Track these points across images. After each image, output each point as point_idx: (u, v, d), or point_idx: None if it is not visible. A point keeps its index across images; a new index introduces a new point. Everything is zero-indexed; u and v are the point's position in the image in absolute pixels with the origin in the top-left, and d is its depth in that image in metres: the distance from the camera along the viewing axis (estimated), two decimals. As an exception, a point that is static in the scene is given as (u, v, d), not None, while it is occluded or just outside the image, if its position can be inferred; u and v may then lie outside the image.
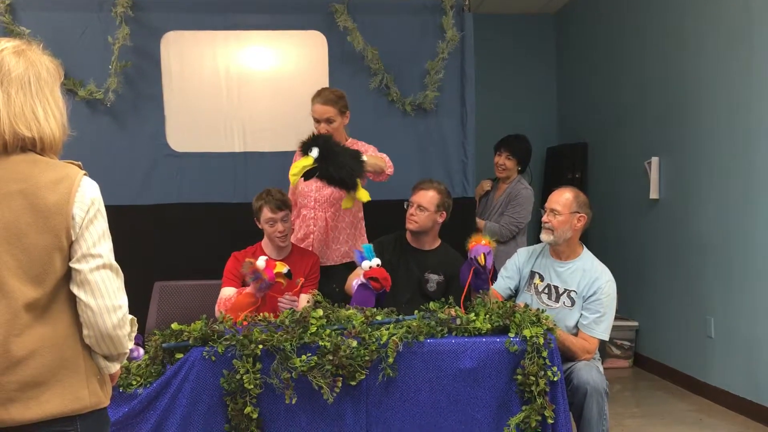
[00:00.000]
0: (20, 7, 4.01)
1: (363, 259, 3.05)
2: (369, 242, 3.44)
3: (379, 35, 4.25)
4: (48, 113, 1.58)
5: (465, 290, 3.02)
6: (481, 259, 2.92)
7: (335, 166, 3.11)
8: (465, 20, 4.32)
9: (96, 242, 1.56)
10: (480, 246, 2.96)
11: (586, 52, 6.67)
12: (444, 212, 3.42)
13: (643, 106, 5.55)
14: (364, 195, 3.33)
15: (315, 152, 3.04)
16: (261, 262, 2.97)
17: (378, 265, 3.04)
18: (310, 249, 3.64)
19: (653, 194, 5.31)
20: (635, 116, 5.68)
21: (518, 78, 7.23)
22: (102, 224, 1.59)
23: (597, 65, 6.42)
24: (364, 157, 3.30)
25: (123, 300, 1.60)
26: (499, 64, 7.01)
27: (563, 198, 3.24)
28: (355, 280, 3.12)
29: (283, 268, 3.00)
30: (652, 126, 5.41)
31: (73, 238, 1.55)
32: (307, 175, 3.14)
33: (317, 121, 3.60)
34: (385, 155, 3.60)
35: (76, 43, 4.05)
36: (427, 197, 3.38)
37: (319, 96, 3.61)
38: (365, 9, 4.25)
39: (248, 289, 3.05)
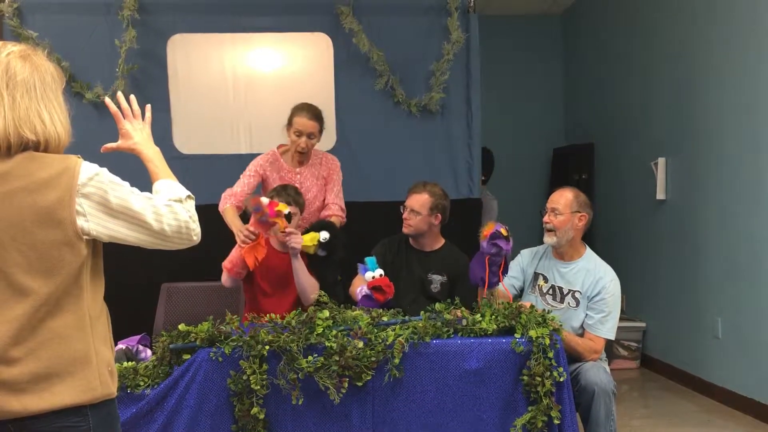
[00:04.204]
0: (28, 11, 4.04)
1: (366, 270, 3.07)
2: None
3: (384, 37, 4.26)
4: (54, 117, 1.59)
5: (486, 284, 2.98)
6: (504, 231, 2.92)
7: (327, 262, 3.30)
8: (470, 21, 4.33)
9: (138, 207, 1.65)
10: (496, 225, 2.96)
11: (593, 53, 6.66)
12: (439, 214, 3.40)
13: (650, 107, 5.54)
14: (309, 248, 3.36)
15: (324, 235, 3.25)
16: (265, 200, 3.11)
17: (381, 276, 3.06)
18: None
19: (660, 195, 5.30)
20: (642, 117, 5.67)
21: (524, 79, 7.23)
22: (121, 194, 1.62)
23: (603, 66, 6.42)
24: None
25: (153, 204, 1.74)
26: (505, 65, 7.01)
27: (564, 198, 3.24)
28: (359, 288, 3.14)
29: (285, 208, 3.12)
30: (659, 127, 5.40)
31: (87, 228, 1.55)
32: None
33: (299, 134, 3.52)
34: (340, 203, 3.65)
35: (84, 46, 4.06)
36: (420, 201, 3.37)
37: (305, 110, 3.54)
38: (371, 11, 4.26)
39: (249, 224, 3.16)
